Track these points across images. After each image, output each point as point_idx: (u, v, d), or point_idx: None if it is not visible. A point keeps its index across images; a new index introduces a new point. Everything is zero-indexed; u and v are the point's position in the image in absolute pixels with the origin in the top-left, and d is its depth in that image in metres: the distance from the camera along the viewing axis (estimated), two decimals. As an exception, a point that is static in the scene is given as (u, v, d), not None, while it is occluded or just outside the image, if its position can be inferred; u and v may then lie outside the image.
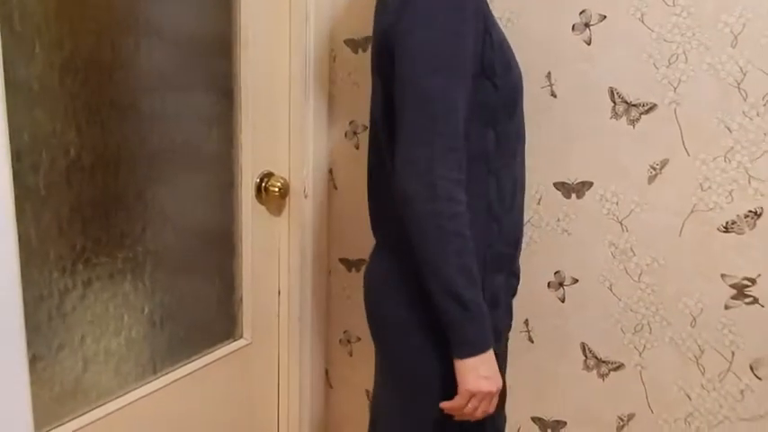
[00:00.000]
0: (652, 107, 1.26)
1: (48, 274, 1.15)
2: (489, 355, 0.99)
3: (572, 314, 1.40)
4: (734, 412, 1.28)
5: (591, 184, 1.34)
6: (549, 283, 1.42)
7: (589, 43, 1.29)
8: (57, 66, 1.11)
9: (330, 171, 1.64)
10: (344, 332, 1.71)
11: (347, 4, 1.53)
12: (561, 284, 1.40)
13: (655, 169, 1.28)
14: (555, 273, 1.41)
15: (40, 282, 1.14)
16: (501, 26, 1.33)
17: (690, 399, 1.32)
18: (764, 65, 1.16)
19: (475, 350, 0.98)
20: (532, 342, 1.46)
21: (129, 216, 1.29)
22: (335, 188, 1.64)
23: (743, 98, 1.19)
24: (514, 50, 1.13)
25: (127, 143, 1.26)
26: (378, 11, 1.07)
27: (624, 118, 1.28)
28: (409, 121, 0.96)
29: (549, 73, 1.34)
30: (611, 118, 1.30)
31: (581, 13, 1.29)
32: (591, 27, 1.29)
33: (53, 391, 1.20)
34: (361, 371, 1.70)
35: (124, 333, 1.31)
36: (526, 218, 1.41)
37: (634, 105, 1.27)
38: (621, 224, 1.32)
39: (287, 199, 1.60)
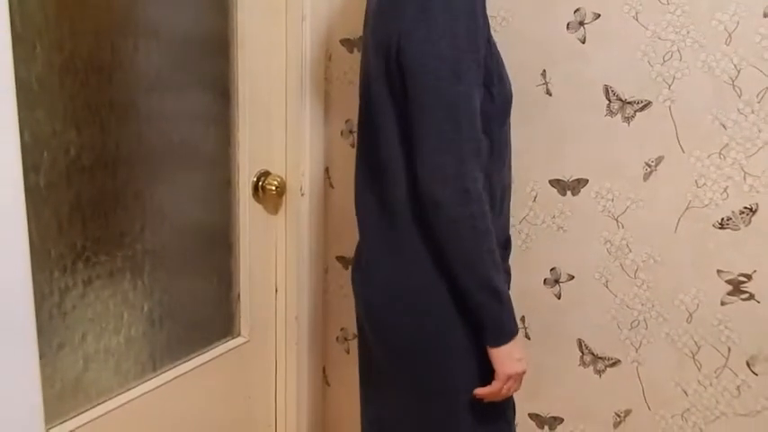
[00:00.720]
0: (647, 104, 1.27)
1: (48, 272, 1.16)
2: (519, 339, 1.07)
3: (568, 311, 1.41)
4: (730, 408, 1.29)
5: (586, 181, 1.35)
6: (545, 280, 1.42)
7: (584, 41, 1.30)
8: (57, 66, 1.11)
9: (326, 170, 1.64)
10: (341, 330, 1.72)
11: (343, 4, 1.54)
12: (557, 281, 1.41)
13: (650, 166, 1.28)
14: (551, 270, 1.41)
15: (41, 280, 1.15)
16: (495, 26, 1.34)
17: (686, 395, 1.33)
18: (758, 62, 1.17)
19: (509, 337, 1.05)
20: (529, 339, 1.46)
21: (128, 215, 1.30)
22: (332, 186, 1.65)
23: (737, 95, 1.20)
24: (509, 49, 1.15)
25: (126, 143, 1.27)
26: (382, 17, 1.05)
27: (619, 115, 1.29)
28: (433, 128, 0.97)
29: (544, 71, 1.34)
30: (606, 115, 1.30)
31: (575, 11, 1.29)
32: (585, 25, 1.29)
33: (54, 388, 1.20)
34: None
35: (124, 331, 1.32)
36: (522, 215, 1.42)
37: (629, 103, 1.28)
38: (617, 221, 1.33)
39: (284, 197, 1.61)
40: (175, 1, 1.32)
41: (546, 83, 1.35)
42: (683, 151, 1.26)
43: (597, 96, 1.30)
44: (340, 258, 1.68)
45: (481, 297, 1.02)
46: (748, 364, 1.26)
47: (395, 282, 1.11)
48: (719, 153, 1.23)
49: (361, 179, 1.17)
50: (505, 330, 1.05)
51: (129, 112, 1.26)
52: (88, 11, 1.16)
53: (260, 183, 1.55)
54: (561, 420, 1.47)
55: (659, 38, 1.24)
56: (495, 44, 1.10)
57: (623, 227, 1.32)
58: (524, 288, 1.43)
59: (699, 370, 1.31)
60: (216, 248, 1.54)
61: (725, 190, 1.23)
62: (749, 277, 1.24)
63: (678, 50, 1.23)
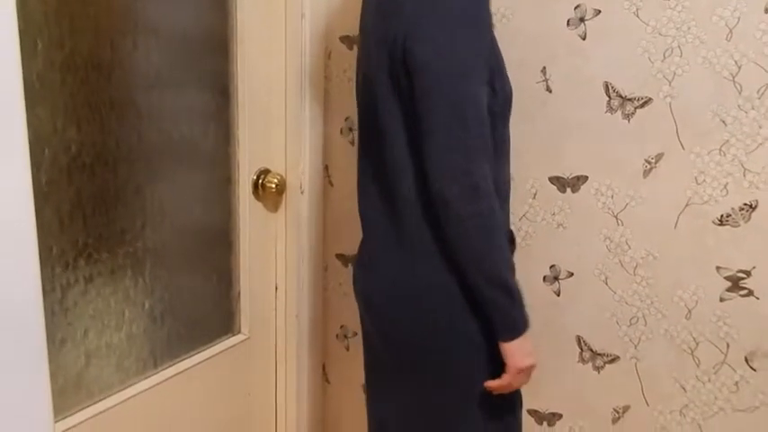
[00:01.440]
0: (647, 101, 1.27)
1: (50, 269, 1.16)
2: (528, 334, 1.08)
3: (567, 307, 1.41)
4: (729, 404, 1.29)
5: (586, 178, 1.35)
6: (544, 277, 1.43)
7: (584, 38, 1.30)
8: (57, 64, 1.12)
9: (326, 168, 1.64)
10: (341, 327, 1.72)
11: (342, 2, 1.54)
12: (557, 278, 1.41)
13: (650, 163, 1.28)
14: (550, 267, 1.42)
15: (43, 277, 1.15)
16: (495, 23, 1.34)
17: (685, 391, 1.33)
18: (759, 58, 1.17)
19: (520, 332, 1.06)
20: (529, 335, 1.47)
21: (129, 212, 1.30)
22: (331, 184, 1.65)
23: (738, 91, 1.20)
24: (509, 46, 1.15)
25: (126, 140, 1.27)
26: (383, 16, 1.05)
27: (619, 112, 1.29)
28: (441, 126, 0.97)
29: (545, 68, 1.34)
30: (606, 112, 1.30)
31: (576, 7, 1.29)
32: (586, 22, 1.29)
33: (56, 384, 1.21)
34: (358, 366, 1.71)
35: (125, 328, 1.32)
36: (521, 212, 1.42)
37: (629, 99, 1.28)
38: (616, 218, 1.33)
39: (283, 195, 1.61)
40: (177, 2, 1.32)
41: (546, 79, 1.35)
42: (683, 148, 1.26)
43: (597, 93, 1.30)
44: (340, 256, 1.68)
45: (493, 293, 1.03)
46: (747, 360, 1.27)
47: (402, 278, 1.11)
48: (720, 149, 1.23)
49: (365, 177, 1.17)
50: (517, 326, 1.06)
51: (130, 110, 1.27)
52: (89, 9, 1.16)
53: (260, 181, 1.56)
54: (560, 416, 1.47)
55: (660, 34, 1.24)
56: (495, 40, 1.10)
57: (623, 224, 1.33)
58: (524, 285, 1.40)
59: (697, 366, 1.31)
60: (216, 246, 1.54)
61: (725, 186, 1.23)
62: (748, 274, 1.24)
63: (679, 46, 1.23)
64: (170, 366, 1.43)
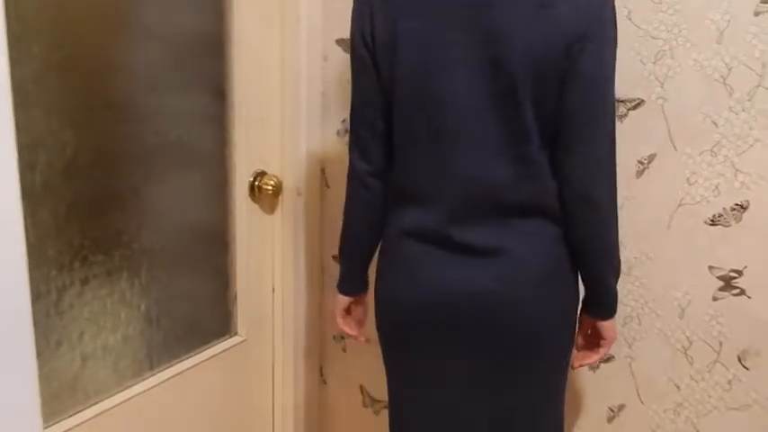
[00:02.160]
0: (639, 103, 1.28)
1: (46, 271, 1.16)
2: None
3: (563, 308, 1.42)
4: (722, 402, 1.30)
5: (580, 179, 1.36)
6: (540, 278, 1.44)
7: (577, 41, 1.31)
8: (53, 66, 1.12)
9: (323, 170, 1.65)
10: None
11: (339, 5, 1.54)
12: (552, 278, 1.42)
13: (642, 164, 1.30)
14: (546, 267, 1.43)
15: (38, 279, 1.15)
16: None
17: (679, 389, 1.34)
18: (749, 60, 1.19)
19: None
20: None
21: (125, 214, 1.30)
22: (328, 186, 1.66)
23: (728, 93, 1.21)
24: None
25: (122, 142, 1.27)
26: (536, 21, 0.99)
27: (612, 114, 1.30)
28: (601, 138, 1.05)
29: (539, 70, 1.35)
30: (599, 114, 1.31)
31: (569, 10, 1.31)
32: (579, 25, 1.30)
33: (52, 387, 1.21)
34: (355, 367, 1.72)
35: (121, 330, 1.32)
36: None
37: (622, 101, 1.29)
38: (611, 218, 1.34)
39: (280, 197, 1.61)
40: (172, 1, 1.33)
41: (540, 82, 1.36)
42: (676, 149, 1.27)
43: (590, 95, 1.31)
44: (336, 258, 1.69)
45: (615, 279, 1.14)
46: (739, 359, 1.28)
47: (545, 265, 1.11)
48: (711, 150, 1.24)
49: (496, 163, 1.07)
50: (617, 303, 1.16)
51: (126, 112, 1.27)
52: (85, 11, 1.16)
53: (256, 182, 1.56)
54: (556, 416, 1.48)
55: (651, 37, 1.25)
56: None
57: (617, 224, 1.34)
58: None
59: (691, 365, 1.32)
60: (213, 248, 1.54)
61: (716, 187, 1.25)
62: (740, 273, 1.25)
63: (670, 49, 1.24)
64: (166, 369, 1.43)
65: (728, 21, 1.19)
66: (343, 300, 1.29)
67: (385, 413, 1.67)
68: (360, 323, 1.34)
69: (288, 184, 1.59)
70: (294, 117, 1.56)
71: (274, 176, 1.58)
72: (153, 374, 1.40)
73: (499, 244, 1.08)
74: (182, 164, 1.41)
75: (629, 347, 1.37)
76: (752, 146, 1.21)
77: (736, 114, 1.21)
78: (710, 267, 1.27)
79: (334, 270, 1.68)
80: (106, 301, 1.29)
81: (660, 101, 1.27)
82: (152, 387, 1.38)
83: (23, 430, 0.80)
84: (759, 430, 1.28)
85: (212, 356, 1.53)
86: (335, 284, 1.30)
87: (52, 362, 1.20)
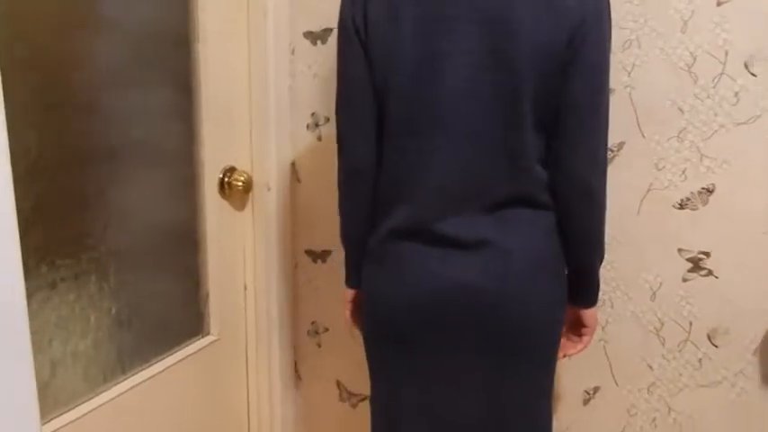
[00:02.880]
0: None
1: (12, 276, 1.11)
2: None
3: (537, 294, 1.44)
4: (693, 380, 1.35)
5: (552, 167, 1.38)
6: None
7: (547, 31, 1.33)
8: (13, 64, 1.07)
9: (293, 164, 1.63)
10: (312, 323, 1.72)
11: (305, -3, 1.53)
12: (526, 266, 1.44)
13: (612, 151, 1.33)
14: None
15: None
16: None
17: (652, 369, 1.38)
18: (713, 49, 1.23)
19: None
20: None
21: (92, 215, 1.26)
22: (298, 180, 1.64)
23: (693, 81, 1.25)
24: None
25: (86, 141, 1.23)
26: (545, 15, 1.01)
27: (582, 103, 1.33)
28: (599, 128, 1.07)
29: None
30: (570, 103, 1.34)
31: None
32: (548, 15, 1.32)
33: (22, 397, 1.16)
34: (331, 362, 1.71)
35: (91, 335, 1.28)
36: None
37: (592, 90, 1.32)
38: (583, 205, 1.37)
39: (250, 193, 1.59)
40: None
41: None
42: (644, 136, 1.30)
43: (561, 84, 1.33)
44: (309, 252, 1.67)
45: (599, 266, 1.17)
46: (709, 337, 1.33)
47: (538, 254, 1.12)
48: (678, 136, 1.28)
49: (489, 154, 1.07)
50: (599, 289, 1.20)
51: (90, 110, 1.23)
52: (45, 6, 1.11)
53: (226, 179, 1.53)
54: (533, 401, 1.51)
55: (619, 27, 1.28)
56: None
57: (588, 211, 1.36)
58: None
59: (663, 345, 1.36)
60: (183, 247, 1.51)
61: (683, 172, 1.29)
62: (708, 255, 1.30)
63: (637, 38, 1.28)
64: (139, 372, 1.40)
65: (692, 11, 1.23)
66: (350, 293, 1.28)
67: (362, 406, 1.67)
68: None
69: (258, 179, 1.57)
70: (263, 112, 1.54)
71: (244, 172, 1.55)
72: (125, 378, 1.37)
73: (487, 237, 1.08)
74: (149, 162, 1.37)
75: (603, 330, 1.40)
76: (716, 131, 1.25)
77: (702, 101, 1.25)
78: (680, 250, 1.31)
79: (308, 265, 1.68)
80: (75, 305, 1.25)
81: (628, 89, 1.30)
82: (125, 392, 1.34)
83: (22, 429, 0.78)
84: (728, 406, 1.34)
85: (185, 358, 1.50)
86: (343, 281, 1.29)
87: (22, 370, 1.15)
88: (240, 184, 1.53)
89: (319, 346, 1.72)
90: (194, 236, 1.53)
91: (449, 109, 1.05)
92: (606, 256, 1.34)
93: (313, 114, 1.58)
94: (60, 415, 1.24)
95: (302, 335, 1.73)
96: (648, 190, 1.32)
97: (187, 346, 1.53)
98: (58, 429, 1.21)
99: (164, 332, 1.47)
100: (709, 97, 1.25)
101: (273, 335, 1.66)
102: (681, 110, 1.27)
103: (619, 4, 1.26)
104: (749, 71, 1.22)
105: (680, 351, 1.35)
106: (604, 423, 1.44)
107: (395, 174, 1.12)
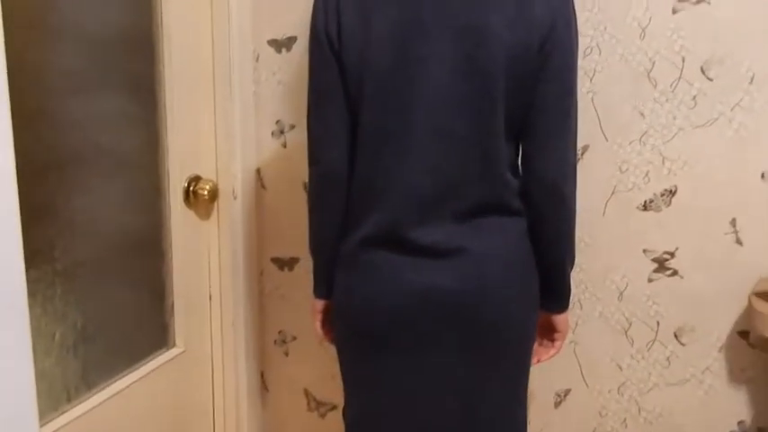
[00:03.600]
0: (572, 96, 1.33)
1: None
2: None
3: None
4: (662, 378, 1.38)
5: (519, 172, 1.40)
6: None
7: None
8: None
9: (258, 171, 1.61)
10: (279, 332, 1.69)
11: (269, 5, 1.51)
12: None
13: (577, 156, 1.35)
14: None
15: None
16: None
17: (621, 369, 1.41)
18: (670, 55, 1.26)
19: None
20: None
21: (54, 226, 1.22)
22: (264, 188, 1.62)
23: (653, 86, 1.29)
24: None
25: (47, 150, 1.20)
26: (517, 23, 1.01)
27: (547, 107, 1.35)
28: (570, 130, 1.09)
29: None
30: (535, 108, 1.36)
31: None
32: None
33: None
34: (298, 370, 1.69)
35: (55, 351, 1.24)
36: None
37: (556, 95, 1.34)
38: (549, 209, 1.39)
39: (216, 202, 1.56)
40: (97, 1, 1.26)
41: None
42: (607, 139, 1.33)
43: (526, 90, 1.35)
44: (275, 260, 1.65)
45: (570, 269, 1.17)
46: (676, 336, 1.36)
47: (511, 258, 1.12)
48: (640, 140, 1.31)
49: (462, 161, 1.07)
50: (571, 293, 1.20)
51: (50, 118, 1.19)
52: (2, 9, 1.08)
53: (191, 188, 1.50)
54: (503, 405, 1.51)
55: (580, 34, 1.29)
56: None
57: (555, 214, 1.38)
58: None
59: (631, 345, 1.39)
60: (147, 258, 1.47)
61: (646, 174, 1.32)
62: (672, 255, 1.33)
63: (597, 45, 1.31)
64: (104, 388, 1.35)
65: (649, 18, 1.27)
66: (320, 303, 1.25)
67: (331, 416, 1.66)
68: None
69: (223, 187, 1.55)
70: (227, 119, 1.52)
71: (210, 181, 1.53)
72: (91, 395, 1.32)
73: (462, 244, 1.08)
74: (112, 171, 1.34)
75: (572, 332, 1.42)
76: (676, 134, 1.29)
77: (661, 105, 1.29)
78: (645, 250, 1.34)
79: (274, 273, 1.65)
80: (40, 320, 1.20)
81: (590, 94, 1.33)
82: (91, 409, 1.30)
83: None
84: (696, 403, 1.37)
85: (151, 372, 1.46)
86: (311, 290, 1.25)
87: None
88: (206, 192, 1.51)
89: (287, 354, 1.69)
90: (159, 246, 1.49)
91: (423, 115, 1.05)
92: (574, 258, 1.38)
93: (278, 122, 1.57)
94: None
95: (269, 344, 1.71)
96: (613, 192, 1.35)
97: (153, 359, 1.49)
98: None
99: (129, 345, 1.43)
100: (668, 101, 1.28)
101: (240, 344, 1.63)
102: (642, 114, 1.30)
103: (579, 12, 1.27)
104: (706, 75, 1.26)
105: (648, 350, 1.38)
106: (576, 425, 1.46)
107: (367, 180, 1.10)
